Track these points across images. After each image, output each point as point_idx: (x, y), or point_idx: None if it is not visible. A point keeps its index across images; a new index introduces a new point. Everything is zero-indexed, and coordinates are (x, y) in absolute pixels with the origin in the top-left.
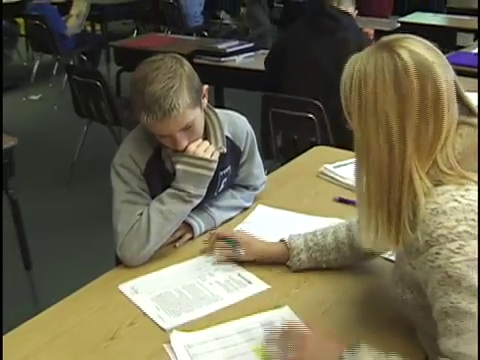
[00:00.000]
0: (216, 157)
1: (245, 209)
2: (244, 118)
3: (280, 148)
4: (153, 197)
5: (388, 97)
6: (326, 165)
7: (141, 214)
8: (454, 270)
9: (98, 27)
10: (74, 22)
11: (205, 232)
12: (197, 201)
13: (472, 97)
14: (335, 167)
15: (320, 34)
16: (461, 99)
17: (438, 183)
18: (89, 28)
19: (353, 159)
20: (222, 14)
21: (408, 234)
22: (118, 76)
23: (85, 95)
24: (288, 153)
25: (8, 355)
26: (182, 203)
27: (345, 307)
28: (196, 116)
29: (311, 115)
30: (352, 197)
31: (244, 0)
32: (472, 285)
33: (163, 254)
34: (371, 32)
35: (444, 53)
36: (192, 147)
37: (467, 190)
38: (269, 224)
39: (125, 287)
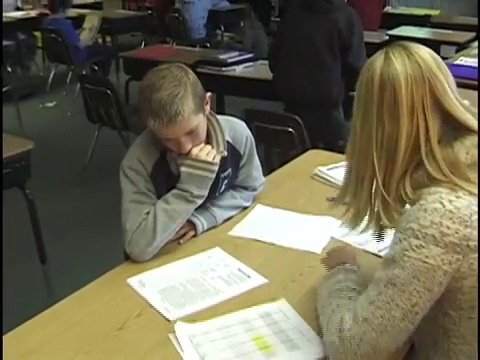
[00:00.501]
0: (217, 160)
1: (244, 208)
2: (243, 123)
3: (262, 161)
4: (159, 197)
5: (356, 97)
6: (320, 167)
7: (148, 213)
8: (400, 260)
9: (109, 39)
10: (87, 35)
11: (207, 230)
12: (200, 201)
13: None
14: (328, 169)
15: (314, 15)
16: (450, 116)
17: (428, 185)
18: (100, 40)
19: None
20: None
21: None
22: (127, 84)
23: (96, 102)
24: (270, 165)
25: (24, 343)
26: (186, 203)
27: None
28: (199, 121)
29: (291, 129)
30: None
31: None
32: (398, 277)
33: (168, 250)
34: None
35: None
36: (195, 151)
37: (458, 197)
38: (267, 222)
39: (133, 281)
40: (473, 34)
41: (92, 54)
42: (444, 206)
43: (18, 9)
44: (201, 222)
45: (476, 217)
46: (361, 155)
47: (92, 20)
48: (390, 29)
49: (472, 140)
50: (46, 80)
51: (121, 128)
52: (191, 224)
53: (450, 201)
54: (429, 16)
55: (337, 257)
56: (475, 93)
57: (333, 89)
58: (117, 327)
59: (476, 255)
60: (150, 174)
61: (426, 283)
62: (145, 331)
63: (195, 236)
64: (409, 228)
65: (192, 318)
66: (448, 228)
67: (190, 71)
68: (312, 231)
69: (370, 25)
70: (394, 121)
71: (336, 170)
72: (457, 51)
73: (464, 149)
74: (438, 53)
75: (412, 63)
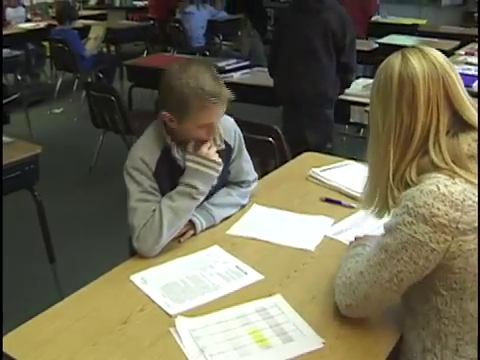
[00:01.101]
0: (220, 160)
1: (242, 207)
2: (231, 119)
3: None
4: (162, 194)
5: (372, 95)
6: (314, 169)
7: (154, 210)
8: (394, 231)
9: (113, 48)
10: (92, 44)
11: (206, 229)
12: (202, 198)
13: None
14: (322, 171)
15: (307, 16)
16: (458, 111)
17: (431, 171)
18: (105, 49)
19: (337, 164)
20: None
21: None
22: (130, 91)
23: (101, 108)
24: None
25: (34, 336)
26: (190, 199)
27: (330, 294)
28: None
29: (270, 139)
30: (337, 197)
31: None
32: (390, 244)
33: (169, 249)
34: None
35: None
36: (205, 150)
37: (454, 183)
38: (264, 221)
39: (136, 278)
40: (458, 42)
41: (97, 62)
42: (439, 189)
43: (28, 21)
44: (200, 221)
45: (469, 203)
46: (382, 147)
47: (97, 30)
48: (380, 37)
49: (474, 135)
50: (54, 88)
51: (125, 132)
52: (190, 223)
53: (445, 186)
54: (416, 25)
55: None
56: None
57: (329, 88)
58: (121, 321)
59: (466, 237)
60: (154, 173)
61: (412, 255)
62: (147, 325)
63: (195, 235)
64: (405, 205)
65: (192, 313)
66: (438, 209)
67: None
68: (306, 230)
69: (358, 33)
70: (412, 114)
71: (329, 171)
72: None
73: (467, 141)
74: None
75: (428, 62)
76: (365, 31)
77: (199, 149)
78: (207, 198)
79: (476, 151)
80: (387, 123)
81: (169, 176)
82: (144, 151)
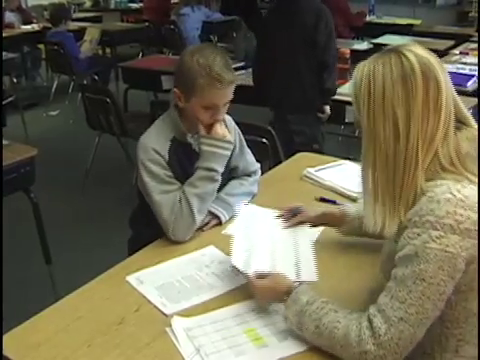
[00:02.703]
0: (233, 139)
1: (254, 196)
2: (229, 116)
3: None
4: (176, 179)
5: (396, 93)
6: (309, 169)
7: (180, 200)
8: (423, 253)
9: (108, 50)
10: (87, 46)
11: (229, 218)
12: (220, 179)
13: None
14: (317, 171)
15: (286, 18)
16: (457, 108)
17: (437, 176)
18: (100, 51)
19: (332, 163)
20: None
21: (402, 218)
22: (126, 93)
23: (97, 110)
24: None
25: (31, 336)
26: (211, 182)
27: (325, 293)
28: None
29: (264, 140)
30: (332, 197)
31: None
32: (426, 271)
33: (165, 249)
34: (347, 52)
35: None
36: (219, 130)
37: (463, 186)
38: (259, 220)
39: (131, 278)
40: (452, 42)
41: (92, 65)
42: (455, 196)
43: (25, 23)
44: (222, 213)
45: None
46: (402, 155)
47: (92, 33)
48: (374, 38)
49: (466, 132)
50: (49, 90)
51: (120, 134)
52: (212, 214)
53: (458, 190)
54: (411, 25)
55: (273, 290)
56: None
57: (310, 92)
58: (117, 322)
59: None
60: (167, 162)
61: (449, 272)
62: (143, 325)
63: (220, 224)
64: (426, 221)
65: (188, 312)
66: (461, 216)
67: None
68: (301, 229)
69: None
70: (436, 112)
71: (324, 171)
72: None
73: (463, 140)
74: None
75: (430, 54)
76: (349, 33)
77: (213, 130)
78: (218, 190)
79: (470, 149)
80: (413, 126)
81: (180, 164)
82: (155, 142)
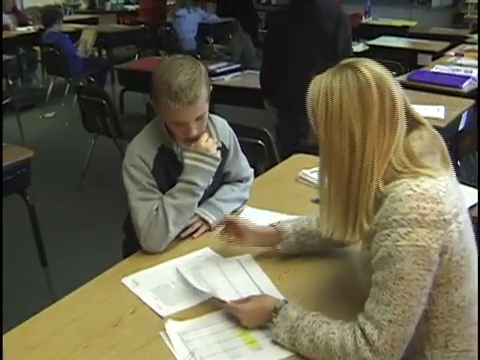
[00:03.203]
0: (219, 154)
1: (245, 201)
2: (224, 120)
3: None
4: (160, 190)
5: (352, 107)
6: (304, 170)
7: (157, 209)
8: (396, 251)
9: (104, 52)
10: (83, 48)
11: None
12: (201, 193)
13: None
14: (312, 172)
15: (304, 24)
16: (409, 111)
17: (394, 178)
18: (96, 53)
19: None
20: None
21: (365, 225)
22: (122, 95)
23: (93, 112)
24: None
25: (27, 339)
26: (191, 196)
27: (320, 294)
28: (206, 109)
29: (260, 141)
30: None
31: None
32: (403, 269)
33: (160, 252)
34: None
35: (406, 72)
36: (203, 143)
37: (421, 181)
38: (254, 222)
39: (127, 280)
40: (447, 43)
41: (88, 66)
42: (415, 191)
43: (21, 25)
44: (211, 218)
45: (441, 194)
46: (358, 166)
47: (88, 34)
48: (370, 39)
49: (418, 132)
50: (45, 92)
51: (116, 136)
52: (202, 219)
53: (418, 186)
54: (407, 27)
55: (261, 310)
56: (451, 98)
57: None
58: (113, 324)
59: (451, 226)
60: (152, 170)
61: (425, 265)
62: (139, 327)
63: (210, 230)
64: (392, 220)
65: (183, 315)
66: (425, 209)
67: (201, 63)
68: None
69: None
70: (392, 124)
71: None
72: (433, 59)
73: (414, 140)
74: (415, 61)
75: (380, 67)
76: None
77: (197, 144)
78: (210, 195)
79: (424, 148)
80: (369, 140)
81: (166, 173)
82: (141, 148)
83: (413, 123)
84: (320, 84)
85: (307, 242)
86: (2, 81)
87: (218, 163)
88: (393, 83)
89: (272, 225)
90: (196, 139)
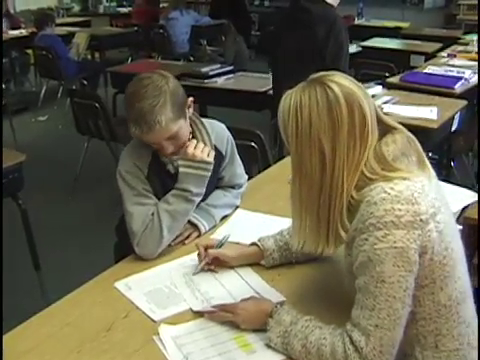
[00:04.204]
0: (212, 157)
1: (236, 207)
2: (223, 125)
3: None
4: (155, 196)
5: (322, 124)
6: None
7: (152, 214)
8: (375, 255)
9: (97, 55)
10: (76, 51)
11: (209, 229)
12: (198, 199)
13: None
14: None
15: (296, 29)
16: (380, 119)
17: (368, 184)
18: (89, 56)
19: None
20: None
21: (342, 234)
22: (114, 98)
23: (85, 115)
24: None
25: (20, 344)
26: (186, 202)
27: (313, 297)
28: (180, 126)
29: (253, 143)
30: None
31: (223, 31)
32: (383, 272)
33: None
34: None
35: (399, 73)
36: (191, 150)
37: (396, 184)
38: (248, 225)
39: (120, 284)
40: (440, 44)
41: (81, 69)
42: (389, 194)
43: (13, 28)
44: (202, 224)
45: (416, 195)
46: (329, 179)
47: (80, 38)
48: (363, 40)
49: (391, 137)
50: (38, 95)
51: (109, 139)
52: (193, 226)
53: (392, 188)
54: (399, 28)
55: (257, 312)
56: (444, 99)
57: None
58: (105, 328)
59: (429, 226)
60: (146, 175)
61: (405, 266)
62: (132, 332)
63: (199, 236)
64: (369, 224)
65: (176, 318)
66: (400, 210)
67: (171, 78)
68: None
69: None
70: (362, 138)
71: None
72: (426, 60)
73: (386, 146)
74: (408, 62)
75: (352, 83)
76: None
77: (184, 152)
78: (202, 200)
79: (398, 151)
80: (339, 157)
81: (160, 179)
82: (136, 154)
83: (387, 129)
84: (290, 100)
85: (291, 255)
86: (2, 82)
87: (210, 167)
88: (363, 97)
89: (254, 243)
90: (182, 147)
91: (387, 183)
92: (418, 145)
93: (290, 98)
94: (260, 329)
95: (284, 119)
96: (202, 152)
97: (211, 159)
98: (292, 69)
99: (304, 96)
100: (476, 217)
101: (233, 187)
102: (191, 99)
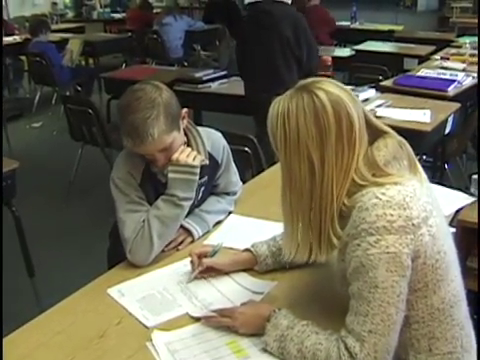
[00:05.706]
0: (198, 161)
1: (229, 213)
2: (220, 134)
3: None
4: (149, 203)
5: (309, 133)
6: None
7: (143, 221)
8: (367, 260)
9: (91, 61)
10: (69, 58)
11: (202, 235)
12: (187, 204)
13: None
14: None
15: (262, 30)
16: (370, 124)
17: (359, 190)
18: (83, 62)
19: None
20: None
21: (334, 241)
22: (109, 104)
23: (79, 121)
24: None
25: (12, 352)
26: (174, 207)
27: (306, 302)
28: (173, 138)
29: (247, 148)
30: None
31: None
32: (376, 277)
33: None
34: (329, 59)
35: (392, 76)
36: (175, 155)
37: (387, 189)
38: (241, 230)
39: (113, 291)
40: (433, 47)
41: (75, 75)
42: (381, 199)
43: (7, 35)
44: (196, 229)
45: (408, 199)
46: (318, 188)
47: (74, 44)
48: (356, 44)
49: (383, 141)
50: (32, 102)
51: (103, 145)
52: (187, 231)
53: (383, 193)
54: (393, 31)
55: (255, 316)
56: (437, 102)
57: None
58: (99, 335)
59: (421, 231)
60: (140, 183)
61: (398, 271)
62: (125, 338)
63: (192, 242)
64: (361, 230)
65: (169, 325)
66: (392, 215)
67: (165, 90)
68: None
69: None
70: (350, 145)
71: None
72: (419, 63)
73: (378, 151)
74: (402, 65)
75: (340, 89)
76: (330, 40)
77: (171, 158)
78: (197, 206)
79: (390, 156)
80: (327, 164)
81: (154, 186)
82: (129, 162)
83: (377, 133)
84: (278, 108)
85: (285, 260)
86: (2, 85)
87: (196, 170)
88: (351, 104)
89: (247, 249)
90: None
91: (379, 188)
92: (409, 149)
93: (278, 106)
94: (254, 334)
95: (272, 127)
96: (188, 156)
97: (197, 163)
98: (264, 71)
99: (291, 104)
100: (471, 220)
101: (227, 194)
102: (185, 110)
